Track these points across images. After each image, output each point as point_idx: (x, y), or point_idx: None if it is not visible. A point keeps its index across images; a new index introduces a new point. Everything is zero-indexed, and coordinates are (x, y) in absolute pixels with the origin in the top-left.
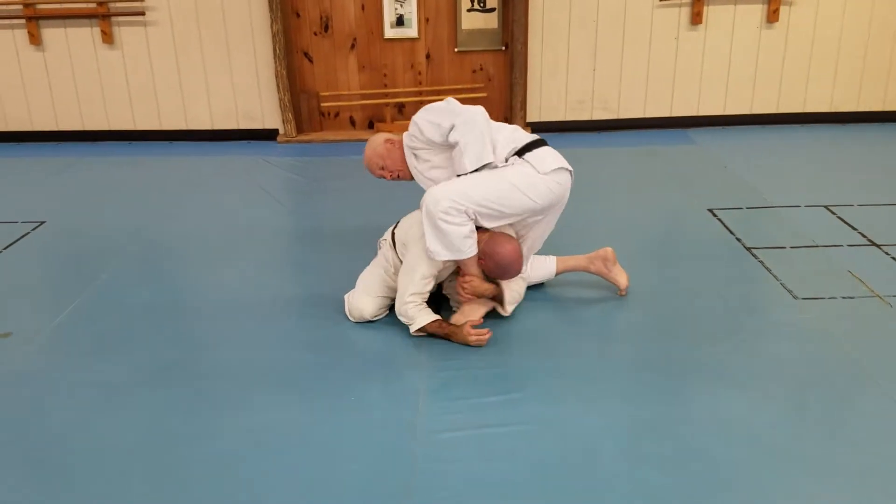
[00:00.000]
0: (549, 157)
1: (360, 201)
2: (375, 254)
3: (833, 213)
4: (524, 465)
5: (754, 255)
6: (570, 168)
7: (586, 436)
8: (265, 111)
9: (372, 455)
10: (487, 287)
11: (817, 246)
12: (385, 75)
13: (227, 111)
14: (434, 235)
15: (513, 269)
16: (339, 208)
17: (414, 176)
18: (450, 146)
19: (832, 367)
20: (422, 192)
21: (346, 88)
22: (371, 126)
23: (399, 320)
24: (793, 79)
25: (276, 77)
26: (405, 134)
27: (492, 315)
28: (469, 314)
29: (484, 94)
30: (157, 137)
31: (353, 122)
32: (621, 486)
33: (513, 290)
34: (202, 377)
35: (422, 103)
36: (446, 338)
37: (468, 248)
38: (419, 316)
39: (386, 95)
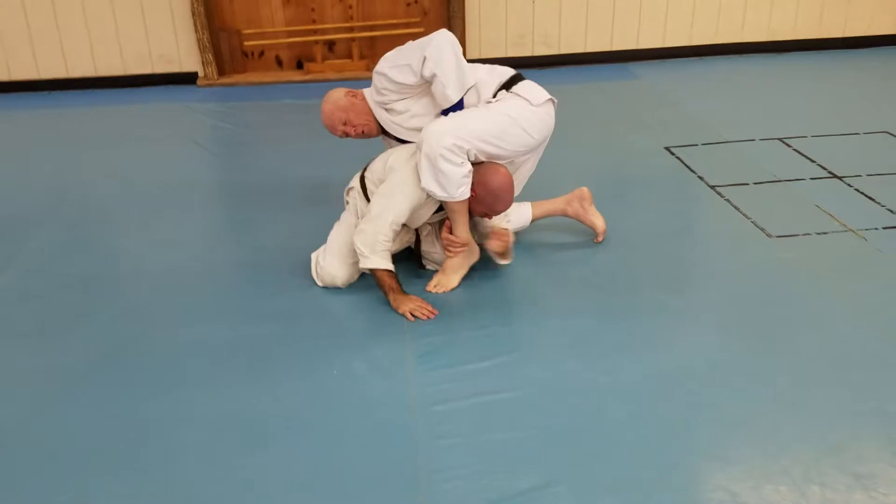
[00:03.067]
0: (536, 89)
1: (302, 151)
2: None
3: (788, 146)
4: (530, 432)
5: (720, 194)
6: (555, 98)
7: (588, 395)
8: (182, 52)
9: (370, 435)
10: (473, 247)
11: (779, 181)
12: (313, 10)
13: (140, 54)
14: (431, 174)
15: (505, 198)
16: (280, 159)
17: (391, 132)
18: (427, 83)
19: (822, 306)
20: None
21: (269, 25)
22: (300, 66)
23: (369, 286)
24: (730, 6)
25: (193, 14)
26: (367, 92)
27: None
28: (451, 274)
29: (420, 30)
30: (64, 87)
31: (279, 62)
32: (634, 444)
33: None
34: (163, 356)
35: (353, 41)
36: (384, 293)
37: (463, 191)
38: (375, 256)
39: (315, 32)
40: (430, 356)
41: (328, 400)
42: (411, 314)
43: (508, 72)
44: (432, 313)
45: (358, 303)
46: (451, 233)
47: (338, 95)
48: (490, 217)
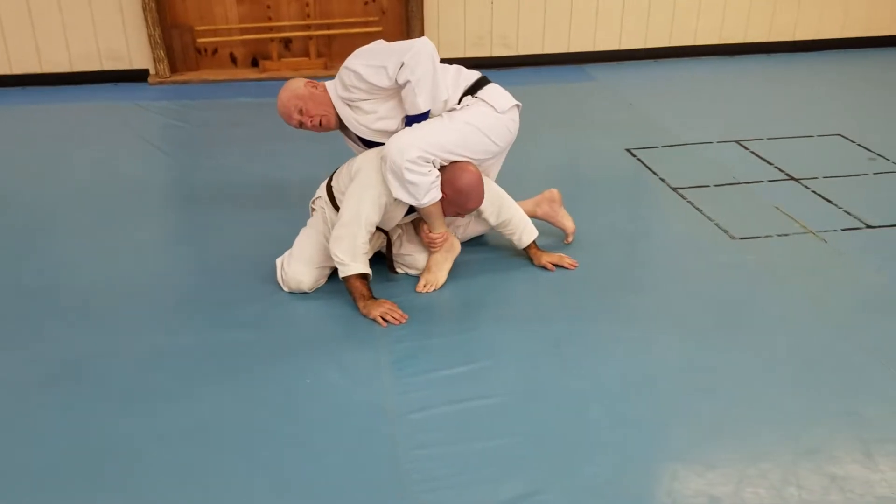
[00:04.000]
0: (502, 94)
1: (259, 151)
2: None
3: (746, 148)
4: (512, 439)
5: (682, 196)
6: (520, 103)
7: (566, 399)
8: (132, 49)
9: (347, 444)
10: (455, 241)
11: (739, 183)
12: (269, 7)
13: (87, 50)
14: (399, 185)
15: (475, 195)
16: (236, 159)
17: (354, 131)
18: (398, 87)
19: (788, 308)
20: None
21: (224, 22)
22: (255, 64)
23: (338, 291)
24: (684, 10)
25: (144, 10)
26: (330, 85)
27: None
28: (437, 271)
29: (378, 29)
30: (7, 83)
31: (234, 60)
32: (616, 449)
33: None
34: (124, 370)
35: (311, 39)
36: (354, 299)
37: (433, 195)
38: (356, 263)
39: (270, 30)
40: (404, 362)
41: (302, 409)
42: (382, 318)
43: (474, 75)
44: (403, 317)
45: (327, 308)
46: (429, 232)
47: (297, 84)
48: (463, 215)
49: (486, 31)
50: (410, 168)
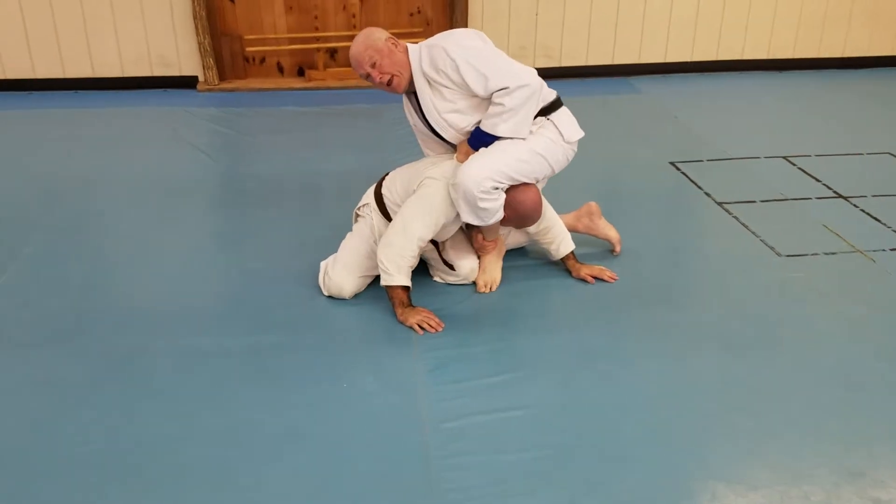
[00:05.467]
0: (572, 122)
1: (305, 158)
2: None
3: (793, 164)
4: (545, 451)
5: (727, 211)
6: (583, 133)
7: (602, 412)
8: (182, 56)
9: (380, 452)
10: (501, 240)
11: (786, 199)
12: (316, 17)
13: (138, 56)
14: (471, 212)
15: (534, 216)
16: (283, 165)
17: (424, 109)
18: (486, 99)
19: (833, 327)
20: (380, 143)
21: (272, 31)
22: (301, 73)
23: (376, 297)
24: (733, 25)
25: (195, 18)
26: (414, 51)
27: (465, 289)
28: (491, 271)
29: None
30: (60, 87)
31: (280, 69)
32: (651, 466)
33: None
34: (166, 367)
35: None
36: (393, 305)
37: (499, 216)
38: (400, 274)
39: (317, 40)
40: (440, 371)
41: (336, 414)
42: (419, 326)
43: (551, 95)
44: (439, 325)
45: (365, 314)
46: (483, 240)
47: (378, 36)
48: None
49: (529, 41)
50: (484, 198)
